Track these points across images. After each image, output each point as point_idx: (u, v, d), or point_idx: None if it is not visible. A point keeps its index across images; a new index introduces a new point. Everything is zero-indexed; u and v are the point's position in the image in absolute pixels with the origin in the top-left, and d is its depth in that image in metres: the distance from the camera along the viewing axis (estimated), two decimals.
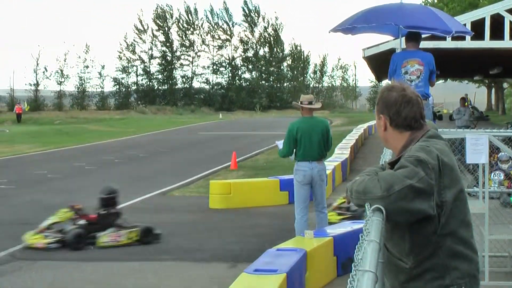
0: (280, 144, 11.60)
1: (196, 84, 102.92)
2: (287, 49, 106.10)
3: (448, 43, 18.16)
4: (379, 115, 3.98)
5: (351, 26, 9.73)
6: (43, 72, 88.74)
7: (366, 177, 3.89)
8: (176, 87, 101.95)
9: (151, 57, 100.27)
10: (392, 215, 3.63)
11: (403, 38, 9.94)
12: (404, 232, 3.86)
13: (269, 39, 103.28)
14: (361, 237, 3.41)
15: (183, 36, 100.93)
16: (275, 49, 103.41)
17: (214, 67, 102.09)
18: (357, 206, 4.19)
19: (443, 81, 50.09)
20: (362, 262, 2.81)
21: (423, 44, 11.21)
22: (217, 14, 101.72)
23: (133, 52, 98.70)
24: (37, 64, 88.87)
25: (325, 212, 11.56)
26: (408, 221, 3.74)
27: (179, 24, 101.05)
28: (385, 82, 25.01)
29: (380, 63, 20.67)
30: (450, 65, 25.37)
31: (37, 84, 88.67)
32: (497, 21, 20.83)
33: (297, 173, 11.19)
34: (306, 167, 11.11)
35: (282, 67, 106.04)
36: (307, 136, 11.16)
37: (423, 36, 10.44)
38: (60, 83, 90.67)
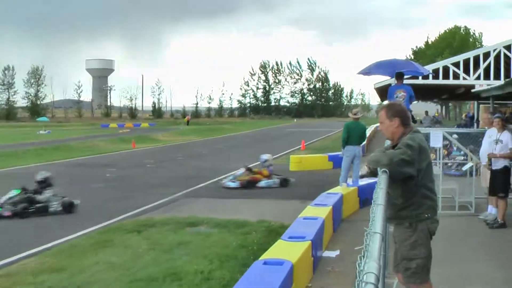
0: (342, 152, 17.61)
1: (282, 102, 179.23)
2: (331, 83, 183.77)
3: (420, 81, 30.50)
4: (393, 118, 6.13)
5: (368, 71, 16.45)
6: (200, 97, 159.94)
7: (378, 153, 6.05)
8: (271, 104, 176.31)
9: (257, 88, 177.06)
10: (392, 175, 5.71)
11: (395, 77, 15.47)
12: (398, 184, 5.99)
13: (321, 78, 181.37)
14: (376, 187, 5.26)
15: (275, 76, 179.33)
16: (325, 83, 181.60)
17: (291, 93, 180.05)
18: (373, 169, 6.49)
19: (417, 101, 64.14)
20: (373, 224, 3.84)
21: (406, 81, 17.01)
22: (292, 64, 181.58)
23: (248, 85, 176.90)
24: (197, 92, 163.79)
25: (356, 174, 17.24)
26: (400, 178, 5.88)
27: (273, 69, 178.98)
28: (386, 102, 35.85)
29: (383, 91, 30.89)
30: (420, 92, 37.28)
31: (196, 103, 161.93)
32: (446, 69, 36.93)
33: (346, 152, 16.74)
34: (352, 148, 16.81)
35: (328, 93, 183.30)
36: (353, 132, 16.83)
37: (405, 76, 16.12)
38: (209, 103, 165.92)
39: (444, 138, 15.91)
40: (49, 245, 12.43)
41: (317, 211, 11.92)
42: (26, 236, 13.84)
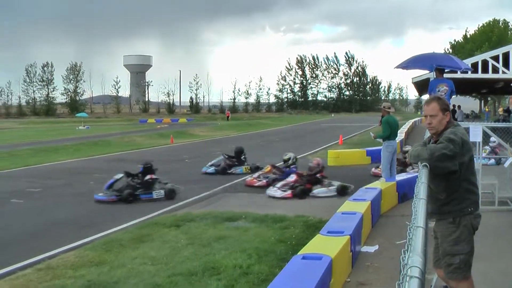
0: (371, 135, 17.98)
1: (319, 97, 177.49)
2: (369, 78, 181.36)
3: (458, 75, 29.44)
4: (445, 111, 6.04)
5: (405, 65, 16.35)
6: (237, 92, 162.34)
7: (419, 147, 5.98)
8: (308, 99, 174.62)
9: (294, 83, 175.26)
10: (433, 169, 5.64)
11: (434, 71, 15.11)
12: (441, 179, 5.94)
13: (359, 72, 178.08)
14: (417, 181, 5.13)
15: (312, 71, 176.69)
16: (362, 78, 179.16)
17: (329, 88, 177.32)
18: (414, 163, 7.05)
19: (455, 96, 64.85)
20: (415, 218, 3.82)
21: (445, 75, 16.72)
22: (330, 59, 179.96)
23: (285, 80, 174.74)
24: (235, 87, 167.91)
25: (394, 168, 16.95)
26: (442, 173, 5.82)
27: (309, 64, 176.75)
28: (425, 96, 35.65)
29: (421, 85, 30.36)
30: (459, 86, 35.87)
31: (234, 99, 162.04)
32: (485, 63, 36.00)
33: (388, 147, 16.44)
34: (393, 143, 16.71)
35: (366, 88, 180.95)
36: (393, 126, 16.76)
37: (445, 70, 15.72)
38: (246, 98, 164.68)
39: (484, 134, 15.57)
40: (88, 239, 12.54)
41: (356, 206, 11.91)
42: (72, 227, 14.02)
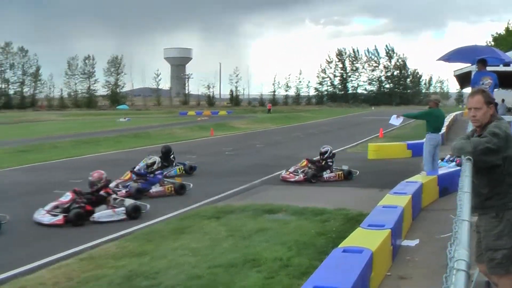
0: (394, 117, 17.25)
1: (359, 90, 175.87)
2: (409, 71, 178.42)
3: (500, 68, 28.11)
4: (489, 104, 5.94)
5: (447, 57, 16.26)
6: (277, 84, 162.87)
7: (462, 140, 5.90)
8: (348, 92, 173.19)
9: (334, 76, 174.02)
10: (476, 163, 5.60)
11: (477, 64, 15.11)
12: (484, 174, 5.87)
13: (399, 65, 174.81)
14: (461, 175, 5.34)
15: (352, 64, 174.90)
16: (402, 71, 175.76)
17: (369, 81, 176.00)
18: (457, 156, 8.57)
19: (497, 89, 63.81)
20: (461, 212, 3.78)
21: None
22: (370, 51, 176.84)
23: (325, 72, 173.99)
24: (274, 80, 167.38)
25: (436, 163, 16.73)
26: (485, 167, 5.76)
27: (349, 57, 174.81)
28: (466, 90, 35.44)
29: (463, 78, 30.03)
30: (501, 79, 35.15)
31: (274, 91, 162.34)
32: None
33: (430, 140, 15.99)
34: (436, 136, 16.17)
35: (406, 81, 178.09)
36: (437, 119, 16.25)
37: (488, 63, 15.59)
38: (286, 91, 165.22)
39: None
40: (130, 230, 12.65)
41: (397, 199, 11.81)
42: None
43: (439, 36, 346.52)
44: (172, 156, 22.14)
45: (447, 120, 44.77)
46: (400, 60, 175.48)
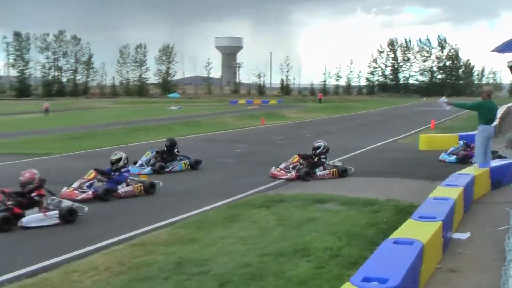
0: (443, 100, 17.23)
1: (410, 80, 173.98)
2: (462, 61, 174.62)
3: None
4: None
5: (501, 48, 16.11)
6: (328, 74, 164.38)
7: None
8: (400, 82, 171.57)
9: (386, 66, 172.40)
10: None
11: None
12: None
13: (451, 56, 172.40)
14: None
15: (404, 54, 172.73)
16: (455, 61, 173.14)
17: (421, 71, 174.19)
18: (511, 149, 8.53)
19: None
20: None
21: None
22: (422, 41, 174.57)
23: (376, 62, 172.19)
24: (325, 69, 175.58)
25: (488, 155, 16.50)
26: None
27: (401, 47, 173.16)
28: None
29: None
30: None
31: (324, 81, 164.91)
32: None
33: (483, 132, 15.95)
34: (489, 128, 16.21)
35: (459, 72, 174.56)
36: (490, 111, 16.30)
37: None
38: (337, 80, 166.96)
39: None
40: (181, 217, 12.78)
41: (448, 191, 11.61)
42: (164, 205, 14.46)
43: (492, 27, 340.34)
44: (177, 149, 20.85)
45: (500, 112, 44.27)
46: (452, 51, 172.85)
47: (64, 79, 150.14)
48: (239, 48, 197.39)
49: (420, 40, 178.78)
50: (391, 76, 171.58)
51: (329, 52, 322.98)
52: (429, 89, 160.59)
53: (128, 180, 16.09)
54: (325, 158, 19.23)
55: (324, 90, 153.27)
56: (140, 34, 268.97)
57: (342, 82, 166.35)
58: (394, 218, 11.54)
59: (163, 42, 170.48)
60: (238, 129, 41.61)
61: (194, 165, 20.72)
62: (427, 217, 9.07)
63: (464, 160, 21.31)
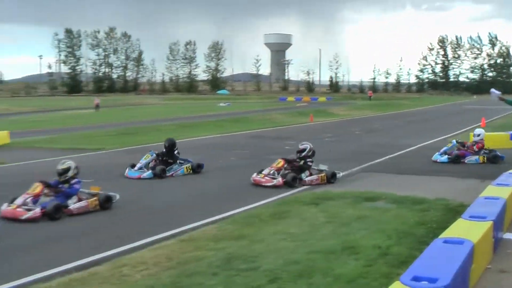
0: (494, 90, 17.65)
1: (461, 78, 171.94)
2: None
3: None
4: None
5: None
6: (377, 71, 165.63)
7: None
8: (450, 80, 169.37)
9: (436, 63, 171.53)
10: None
11: None
12: None
13: (502, 53, 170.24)
14: None
15: (454, 51, 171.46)
16: (506, 59, 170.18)
17: (471, 69, 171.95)
18: None
19: None
20: None
21: None
22: (473, 39, 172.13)
23: (426, 60, 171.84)
24: (374, 67, 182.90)
25: None
26: None
27: (451, 44, 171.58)
28: None
29: None
30: None
31: (373, 78, 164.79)
32: None
33: None
34: None
35: (510, 69, 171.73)
36: None
37: None
38: (386, 78, 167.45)
39: None
40: (229, 213, 12.85)
41: (499, 191, 11.41)
42: (213, 200, 14.58)
43: None
44: (177, 151, 19.14)
45: None
46: (503, 48, 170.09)
47: (114, 76, 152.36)
48: (288, 45, 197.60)
49: (470, 37, 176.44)
50: (441, 74, 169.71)
51: (378, 49, 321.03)
52: (479, 87, 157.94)
53: (79, 194, 13.80)
54: (311, 162, 17.73)
55: (374, 87, 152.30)
56: (190, 30, 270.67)
57: (392, 79, 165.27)
58: (444, 217, 11.44)
59: (212, 39, 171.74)
60: (287, 126, 41.68)
61: (196, 169, 19.14)
62: (477, 217, 9.00)
63: (457, 160, 21.12)
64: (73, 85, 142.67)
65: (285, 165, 17.21)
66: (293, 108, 67.85)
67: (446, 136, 32.13)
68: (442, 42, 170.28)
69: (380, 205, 13.19)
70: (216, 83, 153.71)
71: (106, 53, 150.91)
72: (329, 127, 40.54)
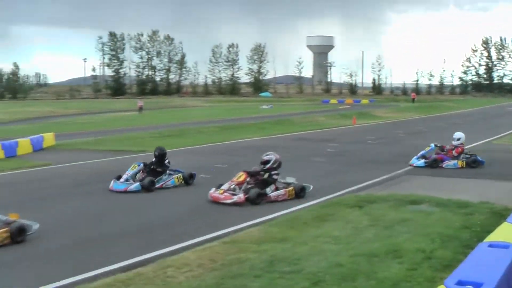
0: None
1: (505, 80, 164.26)
2: None
3: None
4: None
5: None
6: (420, 74, 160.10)
7: None
8: (494, 82, 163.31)
9: (480, 65, 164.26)
10: None
11: None
12: None
13: None
14: None
15: (498, 52, 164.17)
16: None
17: None
18: None
19: None
20: None
21: None
22: None
23: (469, 61, 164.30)
24: (417, 69, 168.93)
25: None
26: None
27: (495, 45, 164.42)
28: None
29: None
30: None
31: (417, 80, 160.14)
32: None
33: None
34: None
35: None
36: None
37: None
38: (429, 80, 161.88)
39: None
40: (273, 215, 12.91)
41: None
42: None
43: None
44: (167, 161, 17.89)
45: None
46: None
47: (157, 78, 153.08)
48: (331, 47, 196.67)
49: None
50: (485, 76, 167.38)
51: (421, 50, 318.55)
52: None
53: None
54: (277, 175, 15.70)
55: (417, 89, 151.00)
56: (231, 33, 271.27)
57: (435, 81, 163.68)
58: (488, 221, 11.34)
59: (254, 42, 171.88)
60: (330, 128, 41.63)
61: (188, 180, 17.76)
62: None
63: (434, 164, 20.73)
64: (116, 87, 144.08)
65: (248, 179, 15.31)
66: (335, 111, 67.79)
67: (491, 138, 31.88)
68: (486, 43, 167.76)
69: (423, 208, 13.12)
70: (258, 85, 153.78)
71: (149, 56, 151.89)
72: (372, 130, 40.41)
